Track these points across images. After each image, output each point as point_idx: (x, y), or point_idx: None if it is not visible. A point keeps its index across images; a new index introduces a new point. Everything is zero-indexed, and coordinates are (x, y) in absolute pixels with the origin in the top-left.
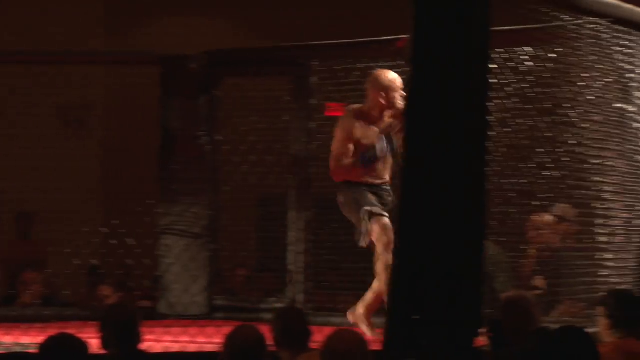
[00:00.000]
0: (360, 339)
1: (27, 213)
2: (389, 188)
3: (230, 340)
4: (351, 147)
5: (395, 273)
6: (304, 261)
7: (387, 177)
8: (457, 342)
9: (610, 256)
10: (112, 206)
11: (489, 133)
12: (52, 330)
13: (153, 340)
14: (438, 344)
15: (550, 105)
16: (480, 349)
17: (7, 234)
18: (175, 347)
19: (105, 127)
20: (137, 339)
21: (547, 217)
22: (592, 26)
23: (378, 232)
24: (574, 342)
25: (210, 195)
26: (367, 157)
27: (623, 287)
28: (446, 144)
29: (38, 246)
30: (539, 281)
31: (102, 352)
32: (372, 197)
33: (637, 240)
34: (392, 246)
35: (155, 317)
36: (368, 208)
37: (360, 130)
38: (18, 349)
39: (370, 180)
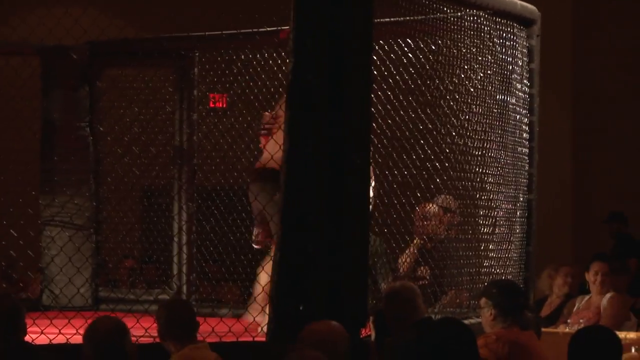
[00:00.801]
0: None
1: None
2: None
3: (89, 332)
4: None
5: (280, 265)
6: (187, 253)
7: None
8: None
9: (492, 247)
10: None
11: (372, 125)
12: None
13: (37, 332)
14: None
15: (432, 97)
16: (365, 339)
17: None
18: (59, 339)
19: None
20: (22, 331)
21: (433, 207)
22: (473, 18)
23: None
24: (451, 333)
25: (93, 187)
26: None
27: (506, 277)
28: (329, 135)
29: None
30: (423, 271)
31: None
32: None
33: (520, 230)
34: None
35: (39, 308)
36: None
37: None
38: None
39: None
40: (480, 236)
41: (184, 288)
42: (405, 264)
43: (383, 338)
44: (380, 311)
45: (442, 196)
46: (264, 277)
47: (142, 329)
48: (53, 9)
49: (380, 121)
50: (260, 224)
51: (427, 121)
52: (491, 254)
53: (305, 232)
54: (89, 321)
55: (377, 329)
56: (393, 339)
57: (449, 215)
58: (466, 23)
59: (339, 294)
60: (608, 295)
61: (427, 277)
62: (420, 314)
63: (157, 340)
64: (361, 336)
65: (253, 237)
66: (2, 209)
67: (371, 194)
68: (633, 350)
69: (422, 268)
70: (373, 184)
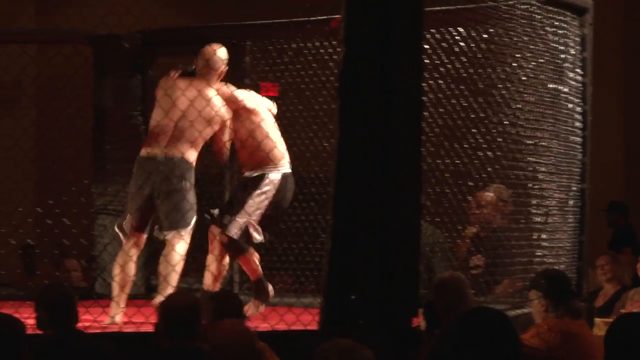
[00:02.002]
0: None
1: None
2: None
3: (162, 307)
4: None
5: (331, 254)
6: None
7: None
8: (395, 322)
9: (545, 236)
10: (46, 186)
11: (423, 113)
12: None
13: (90, 321)
14: (375, 324)
15: (484, 86)
16: (416, 329)
17: None
18: (112, 328)
19: (38, 107)
20: (74, 319)
21: (489, 195)
22: (524, 6)
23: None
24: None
25: None
26: None
27: (558, 267)
28: (380, 124)
29: None
30: (477, 260)
31: (38, 332)
32: None
33: (573, 220)
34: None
35: (92, 296)
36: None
37: None
38: None
39: None
40: (533, 225)
41: (236, 277)
42: (460, 253)
43: (433, 329)
44: (430, 302)
45: (495, 185)
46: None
47: None
48: None
49: (431, 110)
50: None
51: (478, 110)
52: (544, 244)
53: (356, 221)
54: (142, 309)
55: (427, 319)
56: (441, 331)
57: (502, 204)
58: (518, 11)
59: (390, 283)
60: None
61: (481, 266)
62: (469, 304)
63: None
64: (412, 326)
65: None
66: (55, 198)
67: None
68: None
69: (475, 257)
70: None
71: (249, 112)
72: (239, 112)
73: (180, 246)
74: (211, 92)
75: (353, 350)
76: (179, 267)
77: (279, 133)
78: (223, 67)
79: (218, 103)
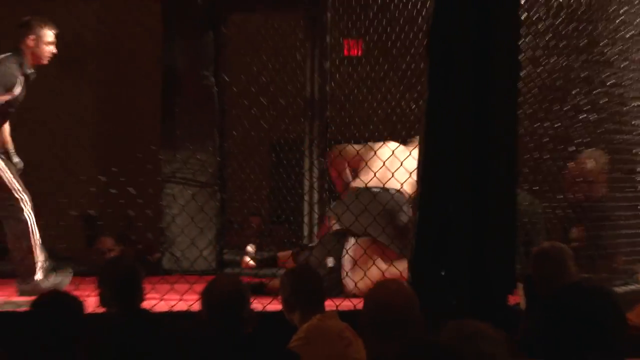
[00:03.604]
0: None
1: None
2: None
3: (206, 292)
4: None
5: (419, 227)
6: (319, 212)
7: None
8: (490, 300)
9: None
10: (111, 152)
11: (519, 73)
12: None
13: (156, 299)
14: (468, 302)
15: (586, 43)
16: (514, 307)
17: None
18: (181, 306)
19: (101, 67)
20: (139, 296)
21: (590, 162)
22: None
23: None
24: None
25: (218, 141)
26: None
27: None
28: (472, 83)
29: None
30: (577, 232)
31: (101, 310)
32: None
33: None
34: None
35: (159, 272)
36: None
37: None
38: (9, 307)
39: None
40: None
41: None
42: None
43: (534, 305)
44: (529, 276)
45: (591, 150)
46: None
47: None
48: None
49: (528, 69)
50: None
51: (580, 69)
52: None
53: (446, 190)
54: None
55: (527, 295)
56: (539, 304)
57: (603, 171)
58: None
59: (484, 258)
60: None
61: (582, 239)
62: (571, 277)
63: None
64: (509, 304)
65: None
66: (121, 165)
67: None
68: None
69: (575, 229)
70: None
71: None
72: None
73: None
74: None
75: (479, 337)
76: None
77: None
78: None
79: None
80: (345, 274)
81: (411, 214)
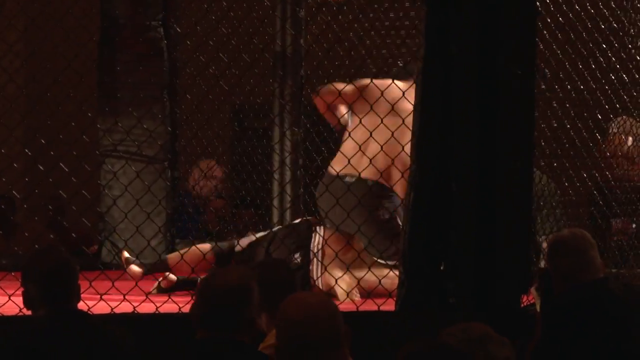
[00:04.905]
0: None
1: None
2: None
3: (202, 288)
4: None
5: (413, 210)
6: (292, 193)
7: None
8: (498, 301)
9: None
10: (37, 120)
11: (536, 25)
12: None
13: (95, 298)
14: (471, 303)
15: None
16: (528, 309)
17: None
18: (124, 307)
19: (26, 15)
20: (72, 295)
21: (624, 138)
22: None
23: None
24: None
25: (168, 106)
26: None
27: None
28: (479, 37)
29: None
30: (620, 224)
31: (25, 312)
32: None
33: None
34: None
35: (98, 266)
36: None
37: None
38: None
39: None
40: None
41: None
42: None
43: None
44: (545, 270)
45: (620, 118)
46: None
47: None
48: None
49: (549, 21)
50: None
51: (611, 18)
52: None
53: (446, 166)
54: (163, 283)
55: (543, 295)
56: (555, 300)
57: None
58: None
59: (492, 249)
60: None
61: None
62: (594, 271)
63: None
64: (522, 305)
65: None
66: (50, 136)
67: None
68: None
69: (620, 220)
70: None
71: None
72: None
73: None
74: None
75: (489, 341)
76: None
77: None
78: None
79: None
80: (316, 269)
81: (394, 209)
